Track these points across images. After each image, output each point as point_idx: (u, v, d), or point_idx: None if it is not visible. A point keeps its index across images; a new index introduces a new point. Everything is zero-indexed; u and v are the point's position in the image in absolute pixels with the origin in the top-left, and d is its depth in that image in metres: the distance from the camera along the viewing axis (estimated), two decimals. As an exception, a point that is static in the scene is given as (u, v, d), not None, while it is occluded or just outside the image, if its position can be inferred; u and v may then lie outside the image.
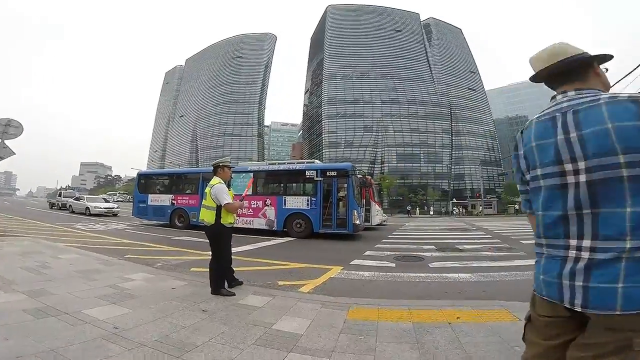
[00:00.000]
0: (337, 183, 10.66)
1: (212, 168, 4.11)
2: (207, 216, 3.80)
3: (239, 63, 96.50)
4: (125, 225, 13.81)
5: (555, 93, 1.09)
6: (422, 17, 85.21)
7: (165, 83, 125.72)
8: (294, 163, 12.42)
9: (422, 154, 65.31)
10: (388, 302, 3.51)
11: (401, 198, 51.15)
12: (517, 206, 42.03)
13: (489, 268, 5.79)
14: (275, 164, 13.15)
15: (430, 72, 73.88)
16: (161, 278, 4.46)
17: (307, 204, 10.75)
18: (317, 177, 10.76)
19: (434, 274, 5.33)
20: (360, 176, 13.29)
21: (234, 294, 3.66)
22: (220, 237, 3.80)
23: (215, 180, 3.90)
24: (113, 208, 20.08)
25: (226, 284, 3.85)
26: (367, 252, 7.69)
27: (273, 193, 11.92)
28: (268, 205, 11.27)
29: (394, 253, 7.56)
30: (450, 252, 7.70)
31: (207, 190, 3.84)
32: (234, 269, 4.11)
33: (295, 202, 10.99)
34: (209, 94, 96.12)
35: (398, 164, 63.83)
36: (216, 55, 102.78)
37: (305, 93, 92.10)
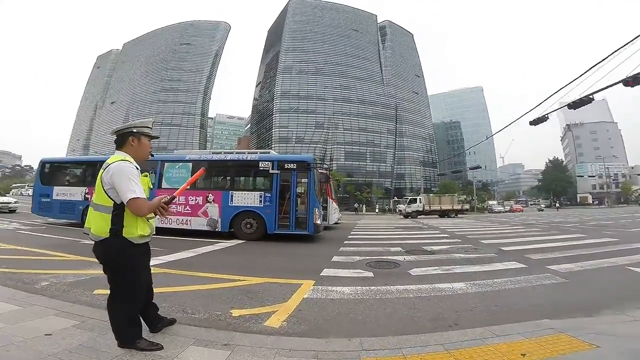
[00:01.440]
0: (297, 177, 9.40)
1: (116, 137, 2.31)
2: (96, 223, 2.10)
3: (186, 50, 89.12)
4: (18, 225, 10.69)
5: None
6: (379, 20, 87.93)
7: (96, 67, 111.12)
8: (245, 153, 10.77)
9: (368, 153, 67.32)
10: (406, 340, 2.44)
11: (347, 195, 51.76)
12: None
13: (476, 274, 5.14)
14: (221, 153, 11.32)
15: (380, 74, 76.59)
16: (34, 312, 2.79)
17: (260, 201, 9.28)
18: (272, 169, 9.36)
19: (423, 285, 4.44)
20: (323, 170, 12.25)
21: (161, 347, 2.20)
22: (120, 263, 2.13)
23: (117, 157, 2.18)
24: (9, 203, 16.34)
25: (147, 326, 2.38)
26: (336, 258, 6.60)
27: (217, 187, 10.18)
28: (210, 202, 9.50)
29: (364, 258, 6.61)
30: (422, 255, 7.04)
31: (99, 175, 2.14)
32: (159, 295, 2.62)
33: (245, 199, 9.44)
34: (147, 81, 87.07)
35: (346, 162, 64.81)
36: (161, 40, 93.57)
37: (256, 86, 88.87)
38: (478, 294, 4.05)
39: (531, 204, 71.42)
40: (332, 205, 14.50)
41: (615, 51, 10.38)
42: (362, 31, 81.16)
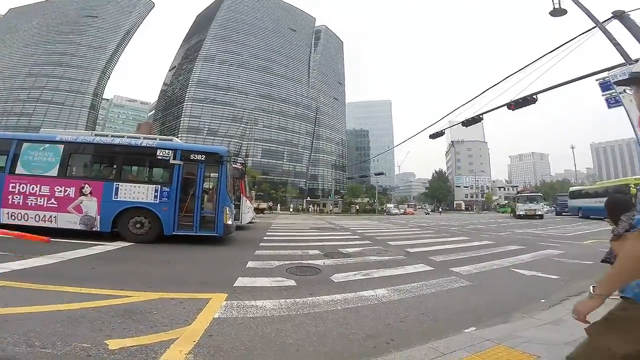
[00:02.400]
0: (204, 170, 8.20)
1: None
2: None
3: (90, 23, 74.88)
4: None
5: None
6: (317, 23, 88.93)
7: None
8: (139, 138, 8.93)
9: (285, 152, 67.21)
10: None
11: (262, 194, 50.43)
12: (357, 207, 49.26)
13: (394, 279, 5.15)
14: (107, 136, 9.14)
15: (307, 76, 77.69)
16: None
17: (155, 196, 7.80)
18: (174, 159, 7.96)
19: (348, 294, 4.15)
20: (238, 165, 11.15)
21: None
22: None
23: None
24: None
25: None
26: (251, 264, 5.86)
27: (97, 177, 8.26)
28: (86, 195, 7.54)
29: (283, 263, 6.05)
30: (340, 259, 6.89)
31: None
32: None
33: (135, 193, 7.81)
34: (28, 52, 69.60)
35: (262, 159, 63.22)
36: (58, 10, 75.67)
37: (170, 70, 79.43)
38: (402, 302, 3.94)
39: (419, 208, 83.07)
40: (246, 204, 13.49)
41: (500, 81, 12.60)
42: (299, 32, 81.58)
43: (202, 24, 76.87)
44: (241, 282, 4.59)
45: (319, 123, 75.57)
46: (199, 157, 8.18)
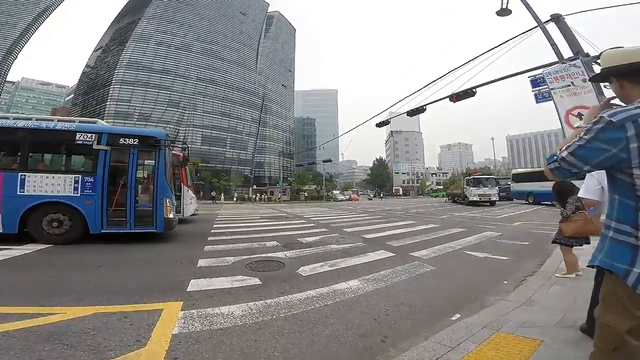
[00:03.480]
0: (138, 157, 7.06)
1: None
2: None
3: None
4: None
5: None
6: (270, 9, 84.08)
7: None
8: (53, 121, 7.28)
9: (229, 139, 63.70)
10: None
11: (202, 183, 47.25)
12: (306, 194, 49.38)
13: (361, 268, 5.02)
14: (8, 118, 7.26)
15: (256, 62, 74.00)
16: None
17: (76, 188, 6.54)
18: (99, 144, 6.72)
19: (322, 289, 3.86)
20: (179, 151, 9.94)
21: None
22: None
23: None
24: None
25: None
26: (203, 262, 5.18)
27: None
28: None
29: (240, 258, 5.50)
30: (301, 249, 6.56)
31: None
32: None
33: (49, 185, 6.48)
34: None
35: (202, 146, 59.02)
36: None
37: (95, 51, 68.67)
38: (378, 293, 3.79)
39: (361, 194, 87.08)
40: (188, 194, 12.23)
41: (443, 75, 13.25)
42: (250, 16, 76.49)
43: (138, 2, 67.52)
44: (195, 285, 3.98)
45: (266, 110, 73.16)
46: (130, 141, 6.97)
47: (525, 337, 2.30)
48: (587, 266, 1.32)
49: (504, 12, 9.68)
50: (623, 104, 1.21)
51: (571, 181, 4.78)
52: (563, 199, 4.38)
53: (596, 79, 1.43)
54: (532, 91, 10.00)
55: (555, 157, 1.23)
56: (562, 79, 8.01)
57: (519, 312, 2.90)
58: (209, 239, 7.82)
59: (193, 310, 3.05)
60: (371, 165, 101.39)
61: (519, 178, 27.54)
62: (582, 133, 1.17)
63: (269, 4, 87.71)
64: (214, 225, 10.95)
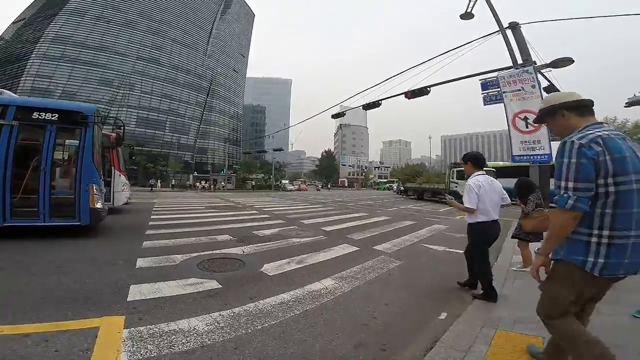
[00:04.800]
0: (56, 135, 5.72)
1: None
2: None
3: None
4: None
5: (587, 121, 1.57)
6: None
7: None
8: None
9: (168, 122, 58.02)
10: None
11: (135, 167, 42.47)
12: (253, 182, 47.62)
13: (329, 264, 4.70)
14: None
15: (207, 44, 68.26)
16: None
17: None
18: (1, 119, 5.24)
19: (296, 291, 3.44)
20: (113, 131, 8.43)
21: None
22: None
23: None
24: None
25: None
26: (142, 262, 4.35)
27: None
28: None
29: (190, 256, 4.78)
30: (260, 244, 6.00)
31: None
32: None
33: None
34: None
35: (137, 129, 52.84)
36: None
37: (13, 23, 57.65)
38: (356, 293, 3.51)
39: (308, 185, 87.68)
40: (120, 180, 10.58)
41: (401, 72, 13.54)
42: None
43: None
44: (138, 292, 3.23)
45: (213, 94, 68.22)
46: (48, 116, 5.59)
47: (527, 334, 2.23)
48: (551, 259, 1.61)
49: (467, 15, 10.13)
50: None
51: (531, 180, 5.07)
52: (524, 196, 4.57)
53: (546, 112, 1.72)
54: (482, 93, 10.71)
55: (566, 196, 1.43)
56: (514, 83, 8.62)
57: (501, 308, 2.87)
58: (148, 232, 6.75)
59: (141, 328, 2.38)
60: (319, 156, 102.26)
61: (503, 173, 25.36)
62: (565, 165, 1.45)
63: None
64: (152, 217, 9.63)
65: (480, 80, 10.48)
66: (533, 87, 8.35)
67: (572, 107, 1.61)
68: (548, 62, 8.87)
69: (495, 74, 9.69)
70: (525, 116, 8.33)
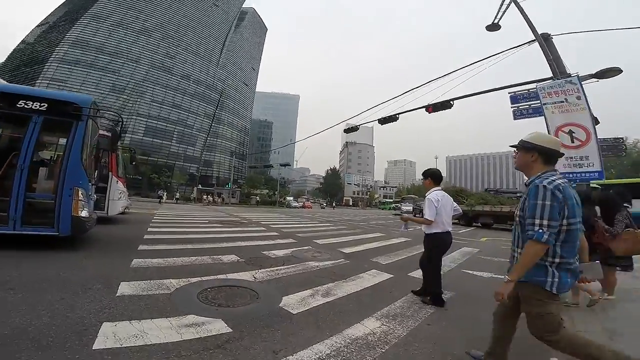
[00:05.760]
0: (42, 129, 4.92)
1: None
2: None
3: None
4: None
5: (550, 166, 1.90)
6: (245, 5, 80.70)
7: None
8: None
9: (176, 133, 58.02)
10: None
11: (140, 177, 41.91)
12: (258, 198, 46.61)
13: (364, 298, 3.71)
14: None
15: (219, 55, 69.71)
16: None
17: None
18: None
19: (333, 339, 2.46)
20: (110, 127, 7.65)
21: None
22: None
23: None
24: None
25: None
26: (126, 288, 3.42)
27: None
28: None
29: (186, 281, 3.81)
30: (273, 268, 5.00)
31: None
32: None
33: None
34: None
35: (144, 137, 52.74)
36: None
37: (38, 26, 60.72)
38: (418, 337, 2.52)
39: (312, 202, 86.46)
40: (117, 187, 9.58)
41: (421, 85, 12.85)
42: (222, 8, 71.82)
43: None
44: (111, 335, 2.26)
45: (222, 106, 68.70)
46: (35, 105, 4.79)
47: None
48: (518, 281, 1.83)
49: (494, 27, 9.52)
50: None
51: (615, 195, 4.10)
52: (611, 215, 3.70)
53: (523, 146, 1.96)
54: (511, 107, 9.91)
55: (541, 231, 1.71)
56: (555, 94, 7.81)
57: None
58: (141, 247, 5.78)
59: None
60: (323, 174, 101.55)
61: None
62: (540, 206, 1.74)
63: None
64: (149, 229, 8.61)
65: (509, 93, 9.69)
66: (578, 98, 7.48)
67: (544, 153, 1.87)
68: (592, 72, 8.06)
69: (527, 86, 8.95)
70: (571, 130, 7.42)
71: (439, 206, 3.52)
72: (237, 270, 4.59)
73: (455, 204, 3.86)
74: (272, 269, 4.90)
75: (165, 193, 33.76)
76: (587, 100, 7.85)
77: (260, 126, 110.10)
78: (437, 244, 3.63)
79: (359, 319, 2.92)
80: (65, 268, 3.97)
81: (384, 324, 2.85)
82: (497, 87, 10.12)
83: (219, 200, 41.65)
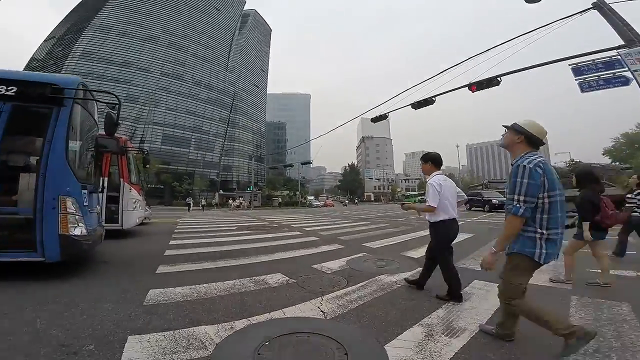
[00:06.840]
0: (10, 120, 3.66)
1: None
2: None
3: None
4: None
5: (532, 149, 2.15)
6: (247, 7, 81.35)
7: None
8: None
9: (193, 139, 58.22)
10: None
11: (162, 187, 41.91)
12: (279, 199, 45.69)
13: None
14: None
15: (227, 59, 70.04)
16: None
17: None
18: None
19: None
20: (108, 137, 6.16)
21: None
22: None
23: None
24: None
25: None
26: (132, 350, 2.00)
27: None
28: None
29: (230, 325, 2.43)
30: (339, 292, 3.62)
31: None
32: None
33: None
34: None
35: (163, 146, 53.19)
36: None
37: (45, 41, 62.86)
38: None
39: (333, 200, 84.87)
40: (130, 195, 8.18)
41: (460, 62, 11.63)
42: (224, 12, 72.56)
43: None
44: None
45: (236, 110, 68.62)
46: (1, 89, 3.57)
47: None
48: (506, 254, 2.18)
49: None
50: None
51: None
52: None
53: (514, 129, 2.20)
54: (576, 79, 9.21)
55: (518, 206, 1.99)
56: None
57: None
58: (160, 269, 4.50)
59: None
60: (340, 171, 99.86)
61: None
62: (518, 183, 2.01)
63: (245, 1, 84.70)
64: (171, 242, 7.34)
65: (569, 65, 9.05)
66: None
67: (529, 138, 2.14)
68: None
69: (591, 56, 8.63)
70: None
71: (442, 191, 3.28)
72: (294, 301, 3.20)
73: (459, 189, 3.56)
74: (338, 293, 3.49)
75: (192, 200, 33.22)
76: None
77: (275, 127, 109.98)
78: (444, 233, 3.35)
79: None
80: (46, 309, 2.69)
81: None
82: (544, 61, 9.09)
83: (245, 204, 40.78)
